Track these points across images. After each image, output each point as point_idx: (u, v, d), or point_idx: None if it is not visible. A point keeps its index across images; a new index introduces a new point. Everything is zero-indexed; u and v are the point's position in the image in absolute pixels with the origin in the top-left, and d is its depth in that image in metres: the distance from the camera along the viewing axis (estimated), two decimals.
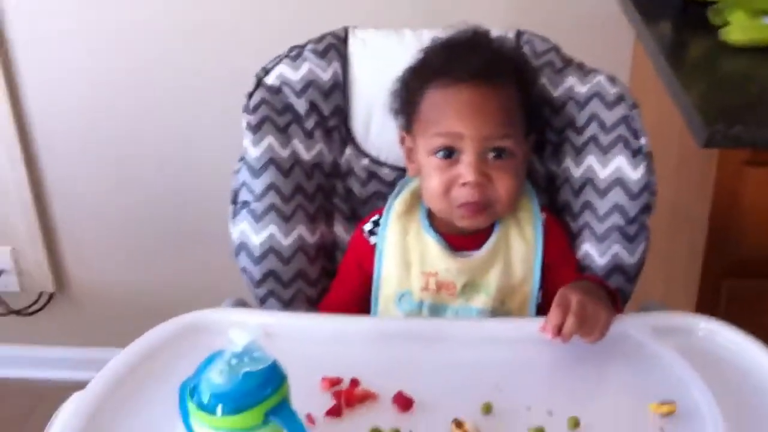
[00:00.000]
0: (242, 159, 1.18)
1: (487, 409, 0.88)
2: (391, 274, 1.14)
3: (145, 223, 1.92)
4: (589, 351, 0.97)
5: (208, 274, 1.88)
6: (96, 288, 2.00)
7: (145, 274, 1.97)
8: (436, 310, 1.13)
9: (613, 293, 1.07)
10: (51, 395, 0.89)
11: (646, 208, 1.13)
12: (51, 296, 2.01)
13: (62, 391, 0.91)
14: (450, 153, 1.07)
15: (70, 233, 1.95)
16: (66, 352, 2.05)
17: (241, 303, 1.16)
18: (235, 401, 0.71)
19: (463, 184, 1.06)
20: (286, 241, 1.16)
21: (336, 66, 1.20)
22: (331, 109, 1.21)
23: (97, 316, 2.02)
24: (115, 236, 1.94)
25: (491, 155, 1.07)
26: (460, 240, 1.14)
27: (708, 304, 1.39)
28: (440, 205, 1.10)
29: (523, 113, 1.11)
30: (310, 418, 0.86)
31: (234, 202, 1.18)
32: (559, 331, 0.95)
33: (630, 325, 1.01)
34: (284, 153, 1.18)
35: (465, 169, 1.06)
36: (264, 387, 0.73)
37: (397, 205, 1.17)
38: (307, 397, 0.89)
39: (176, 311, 1.04)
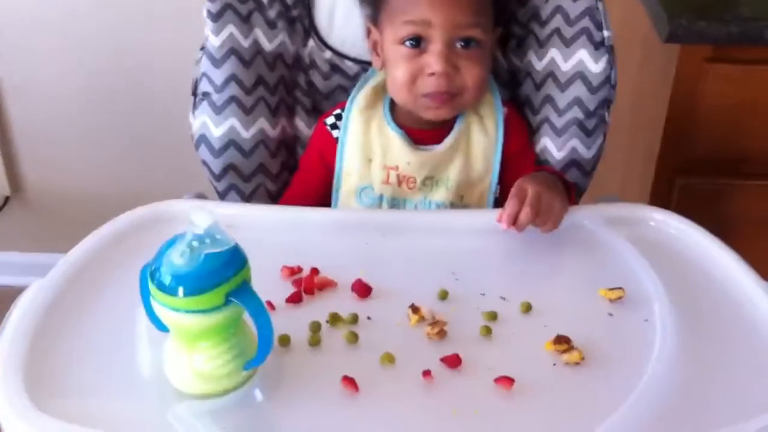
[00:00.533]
0: (203, 48, 1.16)
1: (443, 295, 0.90)
2: (352, 168, 1.15)
3: (103, 121, 1.87)
4: (544, 240, 0.99)
5: (170, 173, 1.86)
6: (53, 190, 1.95)
7: (105, 174, 1.92)
8: (396, 204, 1.14)
9: (569, 185, 1.09)
10: (6, 300, 0.89)
11: (606, 102, 1.14)
12: (6, 199, 1.97)
13: (18, 295, 0.89)
14: (418, 42, 1.06)
15: (25, 134, 1.89)
16: (22, 257, 2.03)
17: (202, 197, 1.16)
18: (196, 282, 0.72)
19: (431, 74, 1.06)
20: (246, 134, 1.16)
21: None
22: None
23: (55, 220, 1.98)
24: (73, 137, 1.89)
25: (459, 44, 1.06)
26: (421, 134, 1.14)
27: (661, 201, 1.43)
28: (406, 96, 1.09)
29: (491, 3, 1.10)
30: (271, 305, 0.88)
31: (194, 93, 1.17)
32: (514, 221, 0.97)
33: (584, 215, 1.03)
34: (246, 43, 1.15)
35: (433, 59, 1.05)
36: (225, 269, 0.73)
37: (359, 98, 1.17)
38: (267, 286, 0.88)
39: None
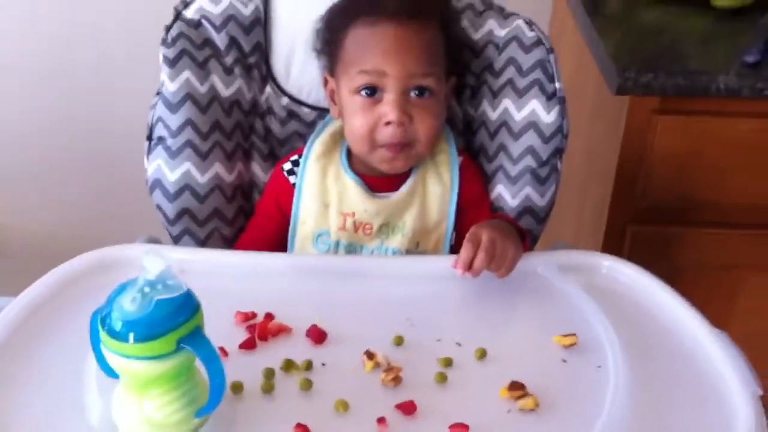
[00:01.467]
0: (159, 93, 1.15)
1: (399, 341, 0.90)
2: (308, 213, 1.15)
3: (60, 163, 1.86)
4: (498, 286, 1.00)
5: (129, 215, 1.83)
6: (9, 232, 1.94)
7: (62, 215, 1.91)
8: (353, 250, 1.14)
9: (523, 232, 1.10)
10: None
11: (558, 151, 1.16)
12: None
13: None
14: (373, 91, 1.07)
15: None
16: None
17: (155, 241, 1.14)
18: (147, 328, 0.71)
19: (387, 124, 1.07)
20: (202, 179, 1.15)
21: (257, 1, 1.18)
22: (251, 46, 1.19)
23: (12, 261, 1.96)
24: (30, 179, 1.87)
25: (413, 93, 1.07)
26: (378, 181, 1.15)
27: (613, 248, 1.44)
28: (363, 147, 1.10)
29: (444, 54, 1.12)
30: (224, 351, 0.87)
31: (149, 137, 1.16)
32: (469, 266, 0.98)
33: (538, 262, 1.04)
34: (202, 89, 1.16)
35: (388, 108, 1.06)
36: (177, 314, 0.72)
37: (317, 145, 1.17)
38: (220, 331, 0.88)
39: None
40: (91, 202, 1.90)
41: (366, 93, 1.07)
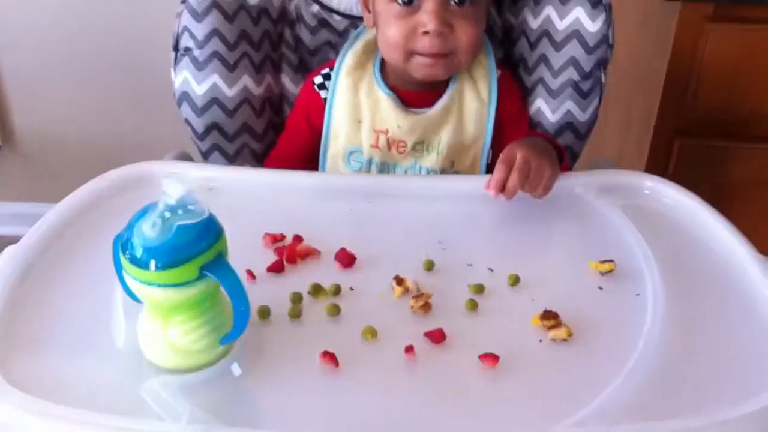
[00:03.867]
0: (184, 1, 1.11)
1: (429, 266, 0.87)
2: (340, 130, 1.11)
3: (93, 73, 1.83)
4: (534, 208, 0.97)
5: (161, 124, 1.82)
6: (44, 141, 1.93)
7: (96, 126, 1.90)
8: (386, 168, 1.11)
9: (561, 150, 1.05)
10: None
11: (602, 63, 1.10)
12: None
13: (10, 245, 0.88)
14: (411, 0, 1.01)
15: (16, 85, 1.86)
16: (14, 207, 2.01)
17: (185, 157, 1.12)
18: (169, 256, 0.69)
19: (424, 33, 1.01)
20: (230, 92, 1.12)
21: None
22: None
23: (46, 171, 1.96)
24: (63, 88, 1.85)
25: (454, 2, 1.01)
26: (413, 96, 1.10)
27: (659, 163, 1.40)
28: (398, 56, 1.04)
29: None
30: (251, 274, 0.85)
31: (176, 48, 1.12)
32: (502, 187, 0.94)
33: (576, 182, 1.00)
34: None
35: (426, 17, 1.00)
36: (199, 241, 0.70)
37: (349, 58, 1.12)
38: (248, 253, 0.88)
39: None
40: (123, 111, 1.88)
41: (403, 1, 1.01)
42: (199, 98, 1.11)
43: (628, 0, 1.51)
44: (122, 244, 0.71)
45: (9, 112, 1.90)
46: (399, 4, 1.02)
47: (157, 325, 0.74)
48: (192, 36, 1.10)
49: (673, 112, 1.37)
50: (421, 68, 1.05)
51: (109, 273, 0.76)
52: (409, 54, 1.04)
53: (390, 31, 1.03)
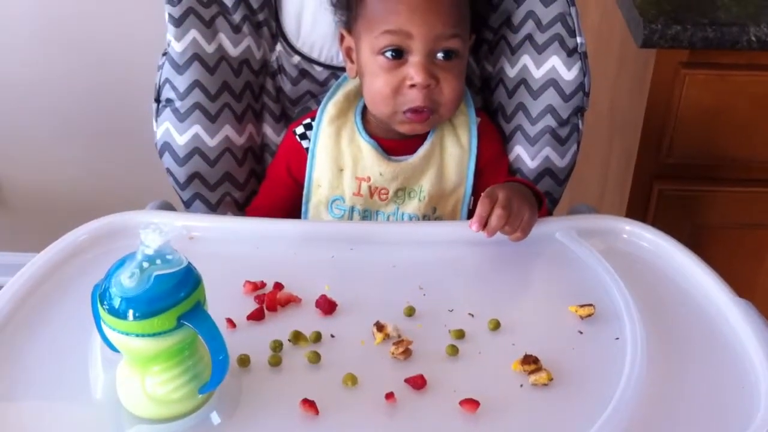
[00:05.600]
0: (165, 54, 1.12)
1: (410, 311, 0.88)
2: (322, 178, 1.12)
3: (76, 124, 1.84)
4: (514, 253, 0.97)
5: (143, 173, 1.83)
6: (28, 193, 1.94)
7: (80, 177, 1.91)
8: (368, 216, 1.12)
9: (540, 196, 1.06)
10: None
11: (579, 110, 1.12)
12: None
13: None
14: (398, 53, 1.02)
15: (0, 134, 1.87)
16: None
17: (167, 206, 1.12)
18: (146, 305, 0.69)
19: (411, 86, 1.03)
20: (212, 142, 1.12)
21: None
22: (260, 2, 1.15)
23: (31, 221, 1.96)
24: (46, 136, 1.86)
25: (440, 56, 1.03)
26: (394, 144, 1.12)
27: (639, 207, 1.41)
28: (385, 109, 1.06)
29: (469, 11, 1.07)
30: (231, 322, 0.85)
31: (157, 99, 1.13)
32: (485, 223, 0.94)
33: (556, 227, 1.01)
34: (210, 48, 1.12)
35: (413, 70, 1.02)
36: (177, 290, 0.70)
37: (330, 107, 1.13)
38: (228, 301, 0.88)
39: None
40: (103, 162, 1.88)
41: (391, 55, 1.03)
42: (180, 148, 1.12)
43: (604, 47, 1.54)
44: (100, 294, 0.71)
45: None
46: (386, 57, 1.03)
47: (136, 374, 0.73)
48: (173, 87, 1.12)
49: (651, 156, 1.38)
50: (405, 124, 1.07)
51: (87, 323, 0.76)
52: (397, 109, 1.05)
53: (377, 83, 1.04)
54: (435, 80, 1.03)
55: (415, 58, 1.02)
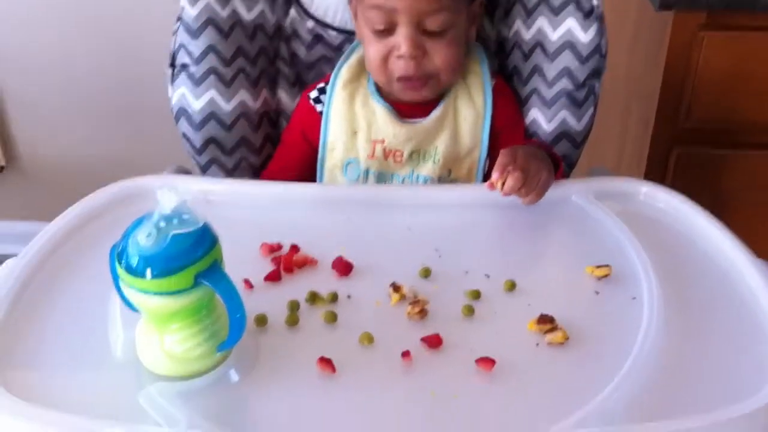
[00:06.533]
0: (179, 19, 1.12)
1: (426, 273, 0.88)
2: (337, 141, 1.12)
3: (95, 93, 1.85)
4: (530, 216, 0.97)
5: (160, 142, 1.83)
6: (47, 161, 1.95)
7: (97, 145, 1.92)
8: (383, 178, 1.12)
9: (557, 159, 1.06)
10: None
11: (596, 73, 1.11)
12: (1, 169, 1.96)
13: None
14: (386, 25, 1.03)
15: (19, 105, 1.88)
16: (17, 226, 2.02)
17: (183, 171, 1.13)
18: (164, 264, 0.69)
19: (400, 56, 1.04)
20: (227, 107, 1.13)
21: None
22: None
23: (49, 190, 1.97)
24: (65, 107, 1.87)
25: (429, 27, 1.03)
26: (408, 107, 1.11)
27: (657, 171, 1.40)
28: (379, 76, 1.08)
29: None
30: (248, 283, 0.86)
31: (172, 65, 1.13)
32: (502, 184, 0.94)
33: (573, 189, 1.00)
34: (224, 13, 1.12)
35: (400, 40, 1.03)
36: (194, 249, 0.70)
37: (344, 72, 1.14)
38: (245, 263, 0.88)
39: None
40: (122, 130, 1.89)
41: (379, 27, 1.04)
42: (196, 113, 1.12)
43: (621, 10, 1.52)
44: (118, 253, 0.72)
45: (12, 134, 1.91)
46: (376, 29, 1.04)
47: (154, 333, 0.74)
48: (188, 53, 1.11)
49: (669, 120, 1.37)
50: (403, 92, 1.08)
51: (106, 284, 0.77)
52: (390, 77, 1.06)
53: (370, 51, 1.07)
54: (422, 51, 1.04)
55: (401, 30, 1.03)
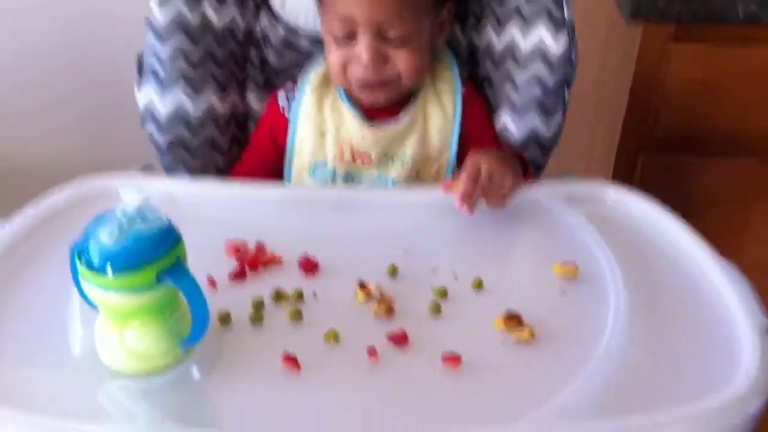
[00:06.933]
0: (148, 22, 1.11)
1: (393, 271, 0.87)
2: (304, 143, 1.11)
3: (56, 94, 1.83)
4: (499, 217, 0.97)
5: (124, 144, 1.81)
6: (6, 159, 1.92)
7: (58, 144, 1.89)
8: (351, 180, 1.11)
9: (525, 162, 1.06)
10: None
11: (566, 81, 1.11)
12: None
13: None
14: (347, 33, 1.04)
15: None
16: None
17: (149, 169, 1.12)
18: (125, 260, 0.68)
19: (359, 64, 1.04)
20: (195, 111, 1.12)
21: None
22: None
23: (7, 188, 1.94)
24: (28, 106, 1.85)
25: (390, 35, 1.03)
26: (376, 111, 1.11)
27: (624, 178, 1.41)
28: (339, 81, 1.09)
29: None
30: (212, 281, 0.85)
31: (140, 68, 1.13)
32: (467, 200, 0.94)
33: (542, 192, 1.00)
34: (193, 19, 1.11)
35: (361, 48, 1.03)
36: (156, 247, 0.69)
37: (312, 75, 1.14)
38: (210, 261, 0.88)
39: None
40: (87, 129, 1.87)
41: (341, 35, 1.04)
42: (163, 116, 1.11)
43: (591, 20, 1.54)
44: (79, 250, 0.71)
45: None
46: (338, 37, 1.05)
47: (114, 329, 0.73)
48: (156, 56, 1.11)
49: (637, 128, 1.38)
50: (362, 94, 1.08)
51: (66, 282, 0.76)
52: (350, 81, 1.07)
53: (330, 57, 1.07)
54: (383, 58, 1.04)
55: (362, 38, 1.03)
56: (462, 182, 0.95)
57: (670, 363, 0.77)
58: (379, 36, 1.03)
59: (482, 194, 0.94)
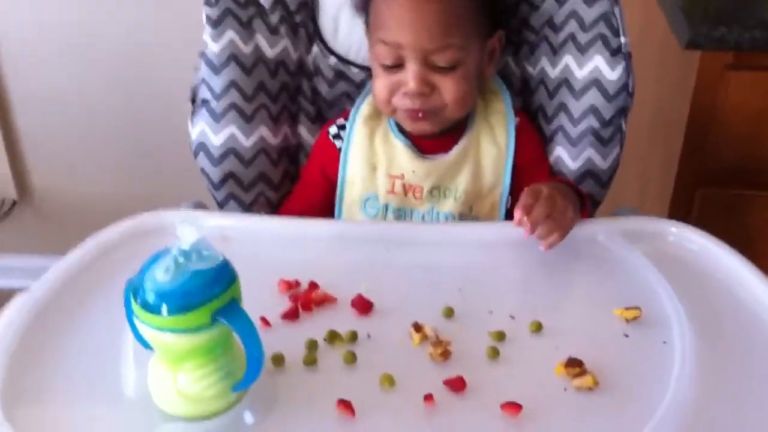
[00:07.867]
0: (202, 55, 1.11)
1: (449, 313, 0.85)
2: (356, 177, 1.10)
3: (109, 128, 1.85)
4: (556, 255, 0.94)
5: (176, 179, 1.83)
6: (60, 195, 1.94)
7: (111, 179, 1.91)
8: (402, 215, 1.10)
9: (583, 197, 1.03)
10: None
11: (622, 111, 1.09)
12: (14, 203, 1.96)
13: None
14: (394, 60, 1.03)
15: (33, 140, 1.88)
16: (28, 261, 2.01)
17: (201, 206, 1.11)
18: (181, 300, 0.67)
19: (406, 93, 1.03)
20: (247, 143, 1.11)
21: None
22: (297, 4, 1.15)
23: (61, 225, 1.97)
24: (79, 142, 1.87)
25: (437, 63, 1.02)
26: (428, 143, 1.10)
27: (681, 212, 1.37)
28: (384, 109, 1.08)
29: (477, 14, 1.05)
30: (265, 321, 0.84)
31: (193, 100, 1.13)
32: (527, 214, 0.92)
33: (599, 229, 0.98)
34: (246, 49, 1.11)
35: (408, 77, 1.02)
36: (212, 286, 0.68)
37: (364, 107, 1.13)
38: (263, 300, 0.86)
39: None
40: (138, 165, 1.89)
41: (387, 62, 1.03)
42: (215, 149, 1.11)
43: (648, 48, 1.51)
44: (134, 289, 0.70)
45: (25, 167, 1.91)
46: (384, 64, 1.04)
47: (168, 371, 0.72)
48: (209, 88, 1.11)
49: (694, 160, 1.35)
50: (407, 123, 1.07)
51: (119, 320, 0.75)
52: (395, 110, 1.06)
53: (376, 85, 1.06)
54: (431, 87, 1.03)
55: (410, 66, 1.02)
56: (522, 198, 0.93)
57: (739, 411, 0.74)
58: (427, 64, 1.02)
59: (545, 213, 0.92)
